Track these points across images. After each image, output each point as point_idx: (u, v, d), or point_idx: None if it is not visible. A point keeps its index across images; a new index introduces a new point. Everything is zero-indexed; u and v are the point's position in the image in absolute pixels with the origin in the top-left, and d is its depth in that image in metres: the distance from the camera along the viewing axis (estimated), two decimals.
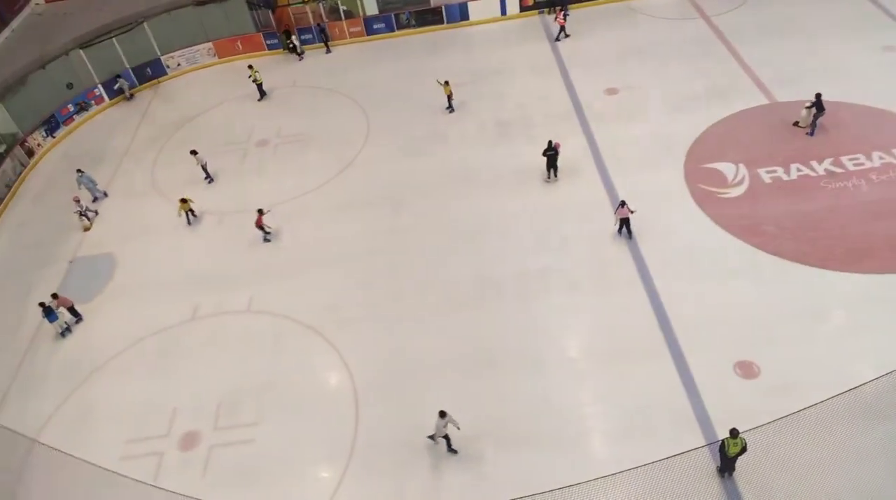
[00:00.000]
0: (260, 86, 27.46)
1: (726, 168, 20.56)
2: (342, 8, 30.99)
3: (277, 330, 17.80)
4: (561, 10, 28.72)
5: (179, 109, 28.21)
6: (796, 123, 21.73)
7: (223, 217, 21.78)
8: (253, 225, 20.81)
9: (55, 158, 26.55)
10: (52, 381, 17.50)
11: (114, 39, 28.71)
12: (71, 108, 27.98)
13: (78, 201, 21.73)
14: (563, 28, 28.66)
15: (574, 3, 30.40)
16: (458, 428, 14.01)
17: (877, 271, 16.81)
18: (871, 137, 20.72)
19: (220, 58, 31.14)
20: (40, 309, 18.04)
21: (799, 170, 20.02)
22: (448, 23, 31.22)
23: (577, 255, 18.58)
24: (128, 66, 29.41)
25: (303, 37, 30.90)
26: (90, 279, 20.32)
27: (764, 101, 23.11)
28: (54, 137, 27.31)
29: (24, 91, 26.38)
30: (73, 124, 27.99)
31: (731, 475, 13.27)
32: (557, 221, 19.79)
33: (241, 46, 30.96)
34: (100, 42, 28.40)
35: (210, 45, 30.82)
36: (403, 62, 29.14)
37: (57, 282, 20.27)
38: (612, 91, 24.99)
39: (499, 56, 28.45)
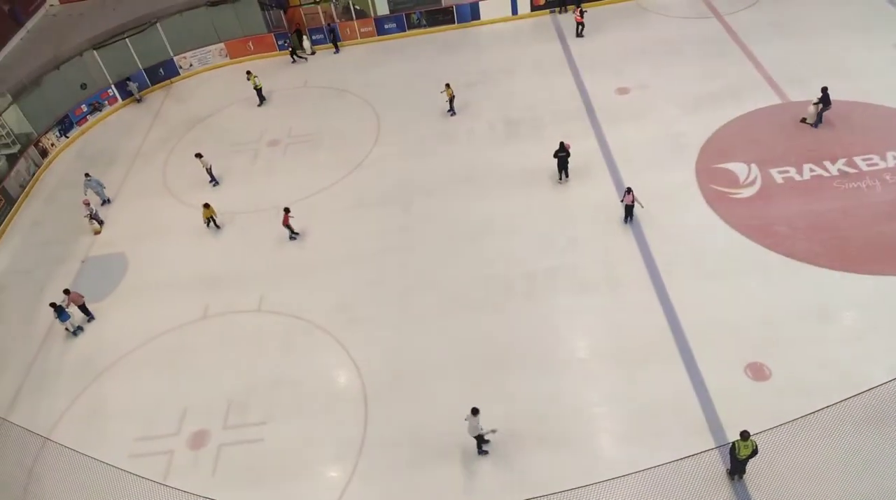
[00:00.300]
0: (259, 91, 27.42)
1: (738, 168, 20.39)
2: (354, 8, 31.06)
3: (287, 329, 17.87)
4: (578, 8, 28.70)
5: (191, 109, 28.39)
6: (804, 120, 21.56)
7: (234, 217, 21.89)
8: (264, 225, 20.92)
9: (69, 158, 26.80)
10: (63, 379, 17.66)
11: (127, 40, 28.94)
12: (84, 108, 28.24)
13: (87, 205, 21.90)
14: (582, 25, 28.65)
15: (586, 2, 30.27)
16: (493, 431, 13.90)
17: (891, 272, 16.59)
18: (886, 137, 20.47)
19: (231, 58, 31.32)
20: (52, 309, 18.21)
21: (812, 170, 19.82)
22: (459, 23, 31.19)
23: (587, 255, 18.49)
24: (141, 67, 29.64)
25: (314, 37, 31.00)
26: (102, 279, 20.49)
27: (777, 100, 22.89)
28: (68, 138, 27.58)
29: (39, 92, 26.66)
30: (86, 125, 28.25)
31: (741, 477, 13.15)
32: (567, 221, 19.71)
33: (252, 47, 31.11)
34: (113, 43, 28.64)
35: (222, 45, 30.99)
36: (414, 62, 29.15)
37: (69, 281, 20.46)
38: (623, 91, 24.87)
39: (509, 55, 28.39)
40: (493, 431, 13.87)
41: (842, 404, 13.22)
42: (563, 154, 20.47)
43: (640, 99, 24.29)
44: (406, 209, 21.15)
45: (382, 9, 31.24)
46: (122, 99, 29.31)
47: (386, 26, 31.31)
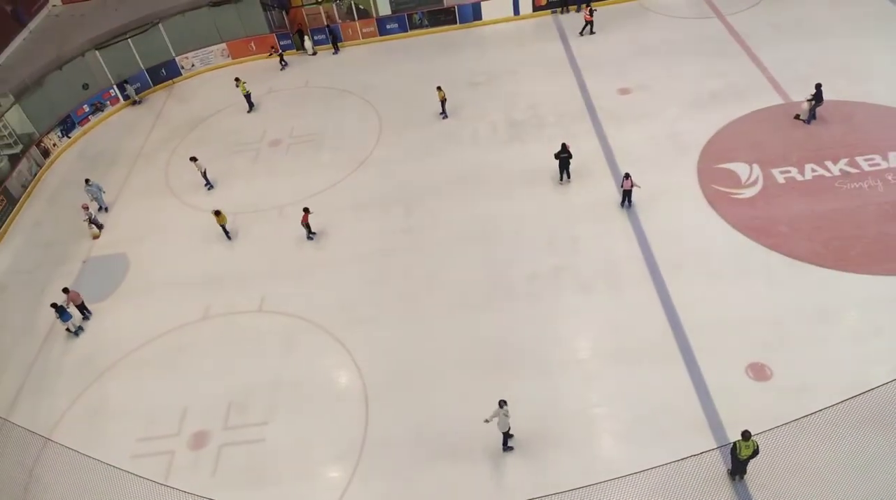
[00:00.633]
0: (248, 97, 27.24)
1: (740, 168, 20.34)
2: (357, 8, 31.07)
3: (288, 330, 17.86)
4: (588, 6, 28.72)
5: (193, 109, 28.42)
6: (797, 116, 21.57)
7: (236, 217, 21.90)
8: (266, 225, 20.93)
9: (70, 158, 26.84)
10: (64, 379, 17.68)
11: (129, 40, 28.99)
12: (86, 108, 28.28)
13: (86, 209, 21.88)
14: (590, 24, 28.69)
15: (587, 2, 30.24)
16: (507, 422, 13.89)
17: (893, 272, 16.54)
18: (888, 137, 20.41)
19: (233, 58, 31.34)
20: (53, 309, 18.23)
21: (814, 170, 19.77)
22: (461, 23, 31.19)
23: (589, 255, 18.47)
24: (143, 67, 29.68)
25: (316, 37, 31.01)
26: (103, 279, 20.51)
27: (779, 101, 22.84)
28: (70, 138, 27.63)
29: (41, 92, 26.70)
30: (88, 125, 28.30)
31: (742, 478, 13.11)
32: (569, 221, 19.68)
33: (254, 47, 31.14)
34: (115, 43, 28.69)
35: (224, 45, 31.03)
36: (416, 62, 29.15)
37: (71, 281, 20.48)
38: (625, 91, 24.83)
39: (511, 56, 28.37)
40: (487, 421, 13.87)
41: (843, 404, 13.16)
42: (564, 155, 20.45)
43: (641, 99, 24.25)
44: (408, 210, 21.14)
45: (384, 9, 31.24)
46: (124, 99, 29.35)
47: (388, 26, 31.32)
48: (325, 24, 31.11)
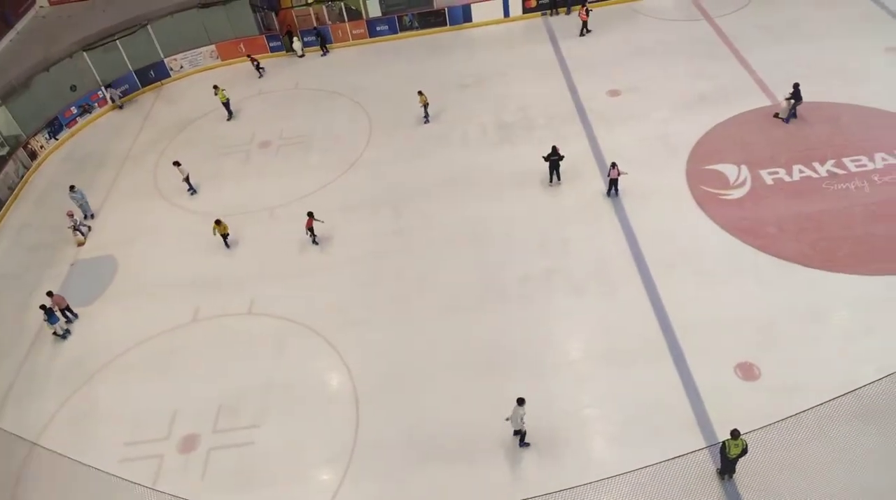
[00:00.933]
0: (227, 105, 26.84)
1: (728, 169, 20.49)
2: (347, 9, 31.04)
3: (279, 332, 17.80)
4: (584, 6, 28.87)
5: (182, 111, 28.28)
6: (776, 115, 21.79)
7: (225, 219, 21.77)
8: (255, 227, 20.83)
9: (58, 160, 26.63)
10: (52, 383, 17.52)
11: (117, 42, 28.80)
12: (74, 110, 28.07)
13: (71, 216, 21.62)
14: (585, 24, 28.82)
15: (579, 3, 30.35)
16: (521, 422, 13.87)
17: (880, 272, 16.71)
18: (874, 139, 20.62)
19: (222, 60, 31.22)
20: (42, 311, 18.08)
21: (801, 171, 19.94)
22: (451, 25, 31.22)
23: (579, 257, 18.53)
24: (131, 69, 29.50)
25: (305, 38, 30.95)
26: (92, 282, 20.35)
27: (767, 102, 23.02)
28: (57, 140, 27.40)
29: (28, 94, 26.47)
30: (75, 127, 28.08)
31: (731, 476, 13.19)
32: (560, 223, 19.75)
33: (244, 48, 31.02)
34: (103, 44, 28.49)
35: (213, 47, 30.90)
36: (406, 64, 29.15)
37: (58, 284, 20.31)
38: (614, 93, 24.95)
39: (502, 58, 28.44)
40: (508, 419, 13.92)
41: (831, 402, 13.30)
42: (554, 157, 20.52)
43: (631, 101, 24.37)
44: (399, 211, 21.13)
45: (374, 11, 31.23)
46: (111, 102, 29.16)
47: (378, 28, 31.30)
48: (315, 25, 31.06)
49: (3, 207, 23.99)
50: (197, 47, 30.71)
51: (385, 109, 26.16)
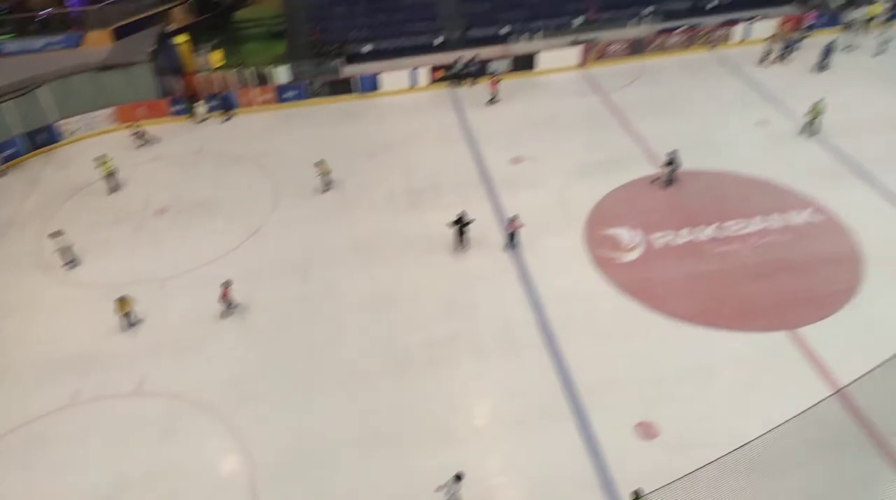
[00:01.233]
0: (110, 176, 25.33)
1: (623, 233, 21.62)
2: (254, 75, 31.07)
3: (170, 413, 16.70)
4: (494, 76, 30.26)
5: (72, 176, 26.92)
6: (655, 180, 23.47)
7: (114, 291, 20.59)
8: (146, 299, 19.84)
9: None
10: None
11: (10, 103, 27.40)
12: None
13: None
14: (495, 93, 30.08)
15: (481, 76, 31.84)
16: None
17: (761, 329, 17.88)
18: (750, 204, 22.44)
19: (121, 123, 30.24)
20: None
21: (688, 235, 21.32)
22: (359, 92, 31.86)
23: (485, 321, 18.77)
24: (22, 131, 28.02)
25: (209, 103, 30.58)
26: None
27: (655, 170, 24.65)
28: None
29: None
30: None
31: None
32: (466, 287, 20.03)
33: (144, 112, 30.23)
34: None
35: (111, 110, 29.93)
36: (314, 130, 29.34)
37: None
38: (517, 160, 26.02)
39: (409, 126, 29.18)
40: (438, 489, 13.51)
41: (724, 458, 13.82)
42: (461, 223, 20.99)
43: (532, 168, 25.48)
44: (305, 278, 20.78)
45: (283, 77, 31.47)
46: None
47: (286, 94, 31.46)
48: (220, 90, 30.83)
49: None
50: (94, 110, 29.65)
51: (292, 174, 26.04)
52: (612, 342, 17.81)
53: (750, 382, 16.52)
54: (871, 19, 32.71)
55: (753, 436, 14.52)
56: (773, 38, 31.79)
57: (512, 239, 21.07)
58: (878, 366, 12.71)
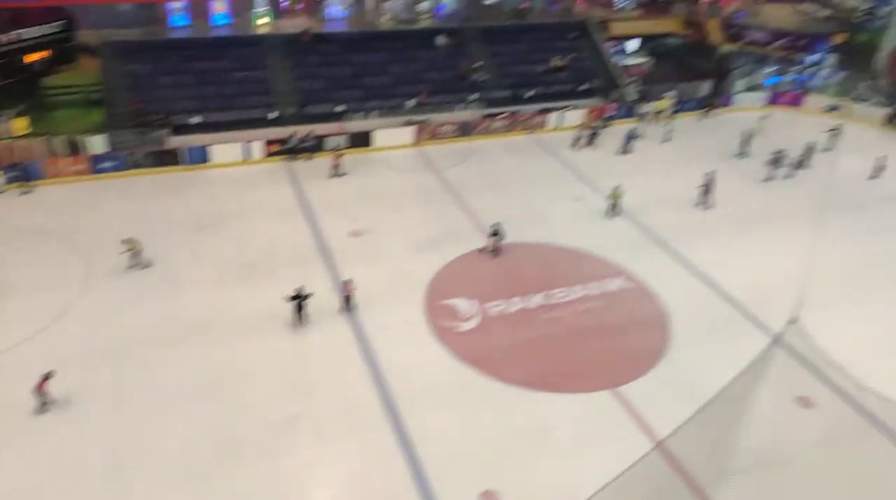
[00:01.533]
0: None
1: (461, 304, 22.27)
2: (65, 143, 28.52)
3: None
4: (337, 151, 30.66)
5: None
6: (482, 250, 24.89)
7: None
8: None
9: None
10: None
11: None
12: None
13: None
14: (338, 166, 30.21)
15: (318, 152, 31.99)
16: None
17: (588, 389, 19.03)
18: (573, 273, 24.30)
19: None
20: None
21: (519, 303, 22.48)
22: (187, 164, 30.45)
23: (326, 400, 18.06)
24: None
25: (8, 174, 27.41)
26: None
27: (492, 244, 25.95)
28: None
29: None
30: None
31: None
32: (305, 366, 19.26)
33: None
34: None
35: None
36: (134, 202, 27.35)
37: None
38: (356, 233, 26.09)
39: (243, 199, 28.25)
40: None
41: None
42: (299, 298, 20.37)
43: (371, 241, 25.67)
44: (120, 365, 18.74)
45: (100, 146, 29.25)
46: None
47: (103, 164, 29.19)
48: (22, 160, 27.82)
49: None
50: None
51: (108, 250, 23.75)
52: (454, 413, 17.92)
53: (582, 441, 17.35)
54: (659, 112, 37.98)
55: (587, 495, 15.20)
56: (581, 125, 35.62)
57: (348, 302, 21.10)
58: (690, 418, 13.93)
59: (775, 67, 42.17)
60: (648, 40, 44.37)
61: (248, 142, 31.32)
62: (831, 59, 42.04)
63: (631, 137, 34.27)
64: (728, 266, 24.64)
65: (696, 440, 14.95)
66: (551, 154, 34.17)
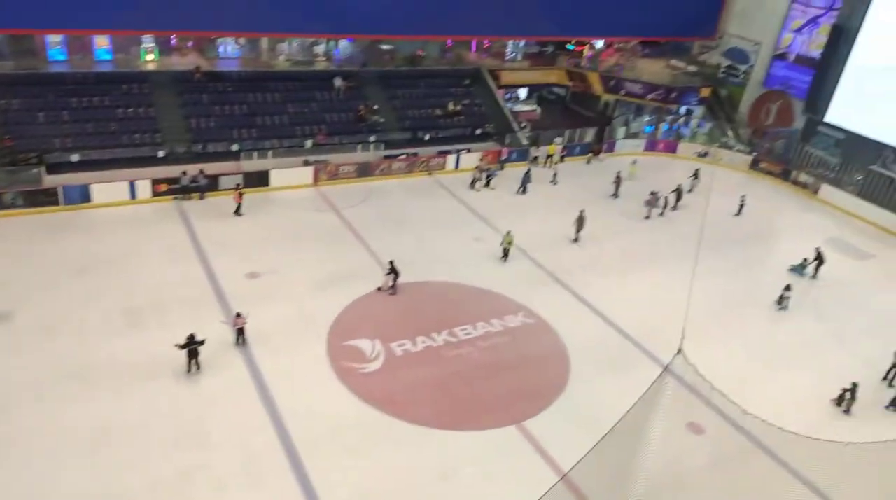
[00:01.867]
0: None
1: (364, 344, 21.96)
2: None
3: None
4: (237, 189, 29.77)
5: None
6: (379, 288, 24.96)
7: None
8: None
9: None
10: None
11: None
12: None
13: None
14: (239, 206, 29.44)
15: (211, 191, 30.88)
16: None
17: (493, 426, 19.22)
18: (475, 311, 24.67)
19: None
20: None
21: (424, 342, 22.48)
22: (66, 204, 28.39)
23: (223, 452, 17.08)
24: None
25: None
26: None
27: (389, 281, 25.90)
28: None
29: None
30: None
31: None
32: (199, 414, 18.18)
33: None
34: None
35: None
36: (3, 245, 25.04)
37: None
38: (253, 275, 25.21)
39: (129, 241, 26.61)
40: None
41: None
42: (192, 343, 19.28)
43: (270, 283, 24.88)
44: None
45: None
46: None
47: None
48: None
49: None
50: None
51: None
52: (360, 457, 17.48)
53: (489, 478, 17.40)
54: (550, 156, 39.95)
55: None
56: (477, 168, 36.74)
57: (240, 335, 20.64)
58: (591, 450, 14.35)
59: (652, 117, 45.71)
60: (538, 88, 46.82)
61: (135, 180, 29.71)
62: (699, 110, 46.18)
63: (526, 179, 35.74)
64: (618, 300, 26.01)
65: (598, 471, 15.42)
66: (451, 195, 34.90)
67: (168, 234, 27.62)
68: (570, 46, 47.89)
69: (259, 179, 32.38)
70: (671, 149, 44.29)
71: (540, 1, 38.79)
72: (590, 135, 43.13)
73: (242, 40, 39.50)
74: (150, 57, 36.60)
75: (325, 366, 20.75)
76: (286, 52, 40.35)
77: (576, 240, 30.63)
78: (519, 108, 44.31)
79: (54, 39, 34.26)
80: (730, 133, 45.03)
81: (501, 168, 37.87)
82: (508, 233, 28.56)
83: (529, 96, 46.45)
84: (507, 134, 40.65)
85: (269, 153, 34.25)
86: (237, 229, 28.77)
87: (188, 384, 19.29)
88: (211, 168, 31.51)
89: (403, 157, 36.72)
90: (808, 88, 41.33)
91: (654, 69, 47.48)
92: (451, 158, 37.76)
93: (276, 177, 32.92)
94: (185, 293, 23.49)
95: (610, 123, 44.62)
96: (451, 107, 40.26)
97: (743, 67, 45.60)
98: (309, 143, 35.36)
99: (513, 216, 30.96)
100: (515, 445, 18.67)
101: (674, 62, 48.20)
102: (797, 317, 26.78)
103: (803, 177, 40.40)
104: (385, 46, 42.77)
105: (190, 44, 38.85)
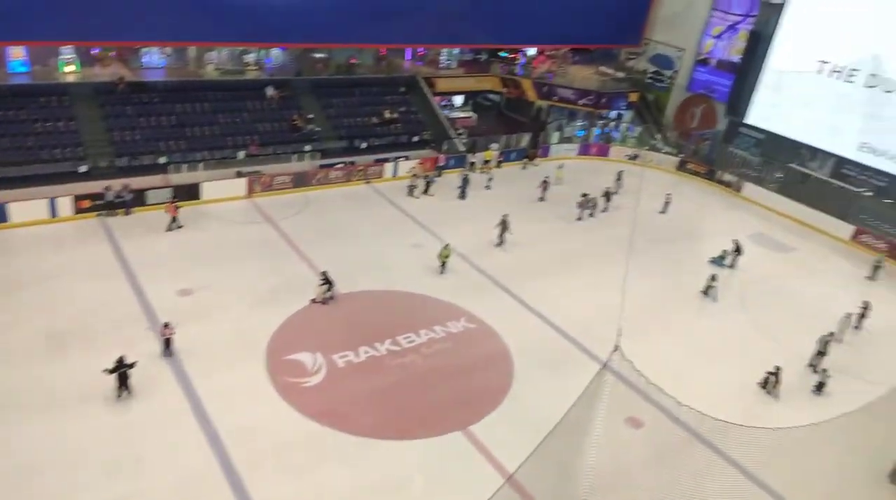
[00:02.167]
0: None
1: (305, 358, 21.49)
2: None
3: None
4: (173, 202, 28.89)
5: None
6: (314, 300, 24.57)
7: None
8: None
9: None
10: None
11: None
12: None
13: None
14: (174, 219, 28.47)
15: (138, 206, 29.71)
16: None
17: (440, 433, 19.12)
18: (417, 318, 24.54)
19: None
20: None
21: (367, 352, 22.19)
22: None
23: (158, 477, 16.35)
24: None
25: None
26: None
27: (328, 294, 25.47)
28: None
29: None
30: None
31: None
32: (132, 441, 17.35)
33: None
34: None
35: None
36: None
37: None
38: (185, 292, 24.34)
39: (50, 261, 25.24)
40: None
41: None
42: (121, 367, 18.41)
43: (204, 299, 24.07)
44: None
45: None
46: None
47: None
48: None
49: None
50: None
51: None
52: (304, 473, 17.07)
53: (437, 485, 17.32)
54: (487, 162, 40.32)
55: None
56: (414, 175, 36.71)
57: (167, 346, 20.41)
58: (535, 450, 14.46)
59: (584, 121, 46.85)
60: (473, 95, 47.30)
61: (54, 198, 28.26)
62: (629, 114, 47.65)
63: (465, 185, 35.93)
64: (557, 302, 26.40)
65: (543, 471, 15.56)
66: (389, 202, 34.72)
67: (92, 252, 26.37)
68: (503, 54, 48.64)
69: (189, 193, 31.33)
70: (603, 152, 45.49)
71: (472, 10, 39.39)
72: (525, 140, 43.81)
73: (168, 49, 38.28)
74: (69, 68, 35.00)
75: (264, 382, 20.20)
76: (215, 61, 39.32)
77: (499, 244, 30.87)
78: (455, 114, 44.59)
79: None
80: (658, 136, 46.59)
81: (439, 175, 37.98)
82: (447, 246, 28.22)
83: (465, 103, 46.82)
84: (444, 141, 40.80)
85: (200, 165, 33.25)
86: (167, 245, 27.75)
87: (119, 410, 18.40)
88: (137, 182, 30.35)
89: (340, 166, 36.34)
90: (729, 92, 43.27)
91: (584, 75, 48.76)
92: (389, 166, 37.62)
93: (207, 190, 31.95)
94: (113, 314, 22.45)
95: (544, 128, 45.44)
96: (386, 115, 40.12)
97: (668, 73, 47.35)
98: (241, 154, 34.53)
99: (451, 222, 31.07)
100: (462, 451, 18.63)
101: (603, 69, 49.62)
102: (725, 310, 27.88)
103: (727, 176, 42.24)
104: (318, 55, 42.28)
105: (112, 54, 37.33)
